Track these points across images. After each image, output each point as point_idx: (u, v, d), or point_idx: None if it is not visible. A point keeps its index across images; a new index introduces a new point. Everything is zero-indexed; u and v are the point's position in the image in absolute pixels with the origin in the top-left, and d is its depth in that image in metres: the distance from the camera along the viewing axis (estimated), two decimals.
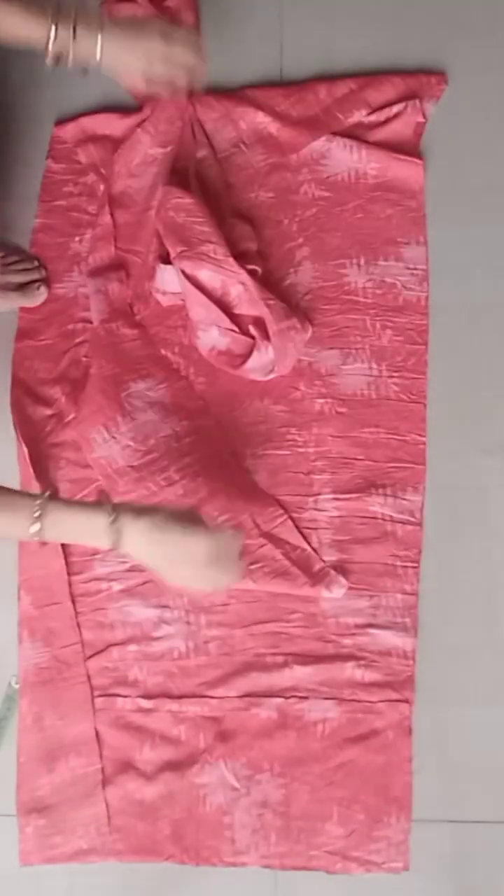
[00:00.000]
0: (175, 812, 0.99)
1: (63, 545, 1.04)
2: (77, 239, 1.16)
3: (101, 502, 0.81)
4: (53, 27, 0.88)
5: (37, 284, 1.13)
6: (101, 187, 1.16)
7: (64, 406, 1.10)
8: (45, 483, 1.06)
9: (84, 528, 0.80)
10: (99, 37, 0.89)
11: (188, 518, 0.81)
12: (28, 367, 1.12)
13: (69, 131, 1.19)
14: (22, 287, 1.12)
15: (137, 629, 1.03)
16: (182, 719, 1.01)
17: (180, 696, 1.01)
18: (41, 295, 1.13)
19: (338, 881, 0.96)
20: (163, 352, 1.11)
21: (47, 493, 0.81)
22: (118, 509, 0.80)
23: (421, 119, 1.16)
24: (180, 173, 1.15)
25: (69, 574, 1.05)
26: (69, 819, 0.99)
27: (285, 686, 1.00)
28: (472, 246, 1.13)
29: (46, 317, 1.14)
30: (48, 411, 1.10)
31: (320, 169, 1.15)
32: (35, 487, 1.05)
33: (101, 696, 1.02)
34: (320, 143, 1.15)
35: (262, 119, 1.16)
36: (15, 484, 1.07)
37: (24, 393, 1.11)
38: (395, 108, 1.15)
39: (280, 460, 1.07)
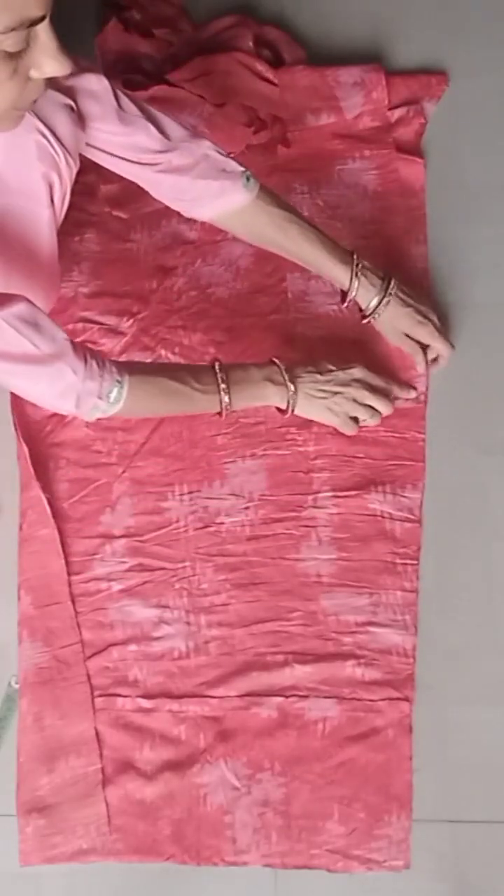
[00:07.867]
0: (175, 812, 0.98)
1: (62, 545, 1.04)
2: (77, 239, 1.16)
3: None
4: (355, 279, 1.00)
5: None
6: (102, 187, 1.16)
7: None
8: (45, 482, 1.06)
9: (262, 386, 0.97)
10: (380, 295, 1.02)
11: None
12: None
13: None
14: None
15: (137, 629, 1.03)
16: (182, 719, 1.00)
17: (180, 696, 1.01)
18: None
19: (338, 880, 0.96)
20: (163, 352, 1.11)
21: (217, 363, 0.95)
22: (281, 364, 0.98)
23: (422, 119, 1.16)
24: None
25: (69, 574, 1.04)
26: (69, 819, 0.98)
27: (286, 685, 1.00)
28: (472, 245, 1.14)
29: None
30: (48, 411, 1.10)
31: None
32: (35, 487, 1.05)
33: (101, 696, 1.01)
34: None
35: None
36: (15, 484, 1.07)
37: None
38: (397, 113, 1.16)
39: (280, 460, 1.07)
